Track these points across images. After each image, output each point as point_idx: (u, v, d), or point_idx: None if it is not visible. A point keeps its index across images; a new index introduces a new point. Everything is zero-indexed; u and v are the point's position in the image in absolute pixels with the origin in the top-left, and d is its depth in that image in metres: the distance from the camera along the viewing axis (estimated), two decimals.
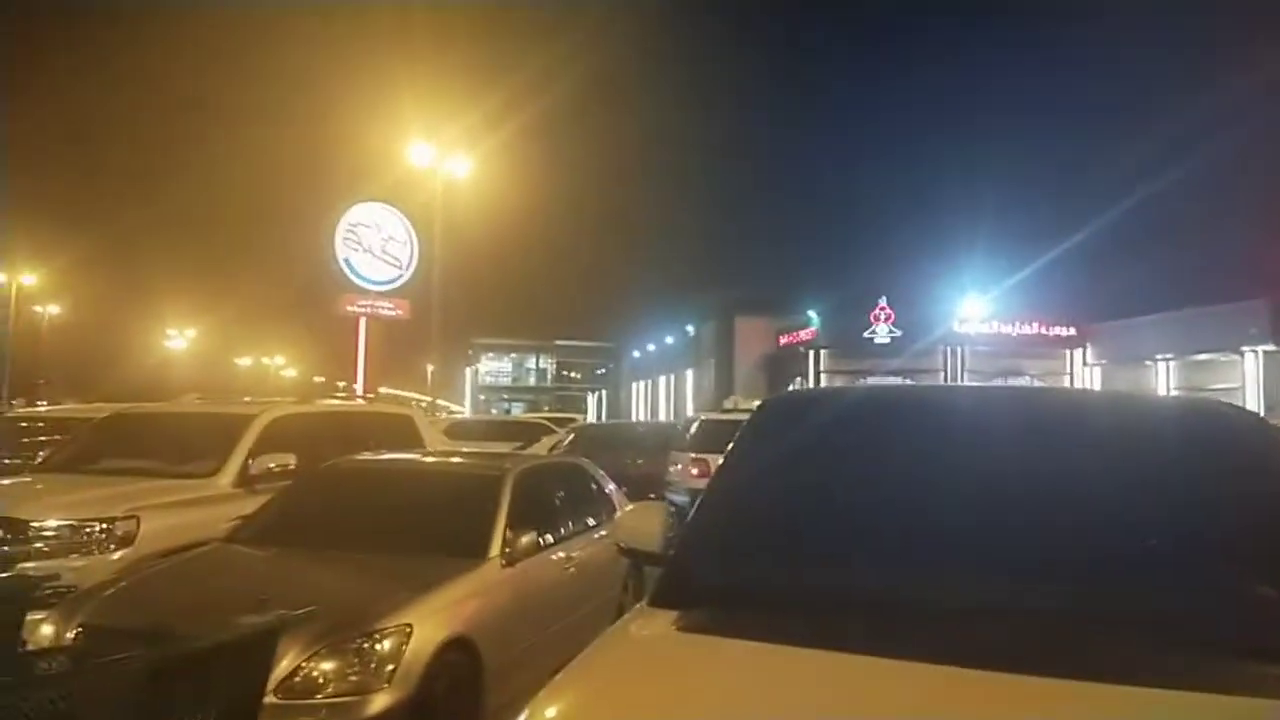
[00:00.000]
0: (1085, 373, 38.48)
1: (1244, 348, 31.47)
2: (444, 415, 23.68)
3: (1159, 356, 35.08)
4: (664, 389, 59.97)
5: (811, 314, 40.46)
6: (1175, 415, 2.81)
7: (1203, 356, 33.47)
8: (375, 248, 24.46)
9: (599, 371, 76.38)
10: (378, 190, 25.16)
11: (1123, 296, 35.29)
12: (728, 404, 18.31)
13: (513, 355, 74.56)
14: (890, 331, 37.65)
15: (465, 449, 8.52)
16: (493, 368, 73.72)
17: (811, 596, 2.16)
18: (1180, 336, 33.68)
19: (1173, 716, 1.63)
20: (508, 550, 4.90)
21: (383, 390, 32.06)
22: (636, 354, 67.42)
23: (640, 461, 14.71)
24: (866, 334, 37.82)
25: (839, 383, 37.31)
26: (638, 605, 2.42)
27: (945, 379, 36.98)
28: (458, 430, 18.36)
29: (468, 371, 70.37)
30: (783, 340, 42.94)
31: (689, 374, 52.74)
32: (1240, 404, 30.93)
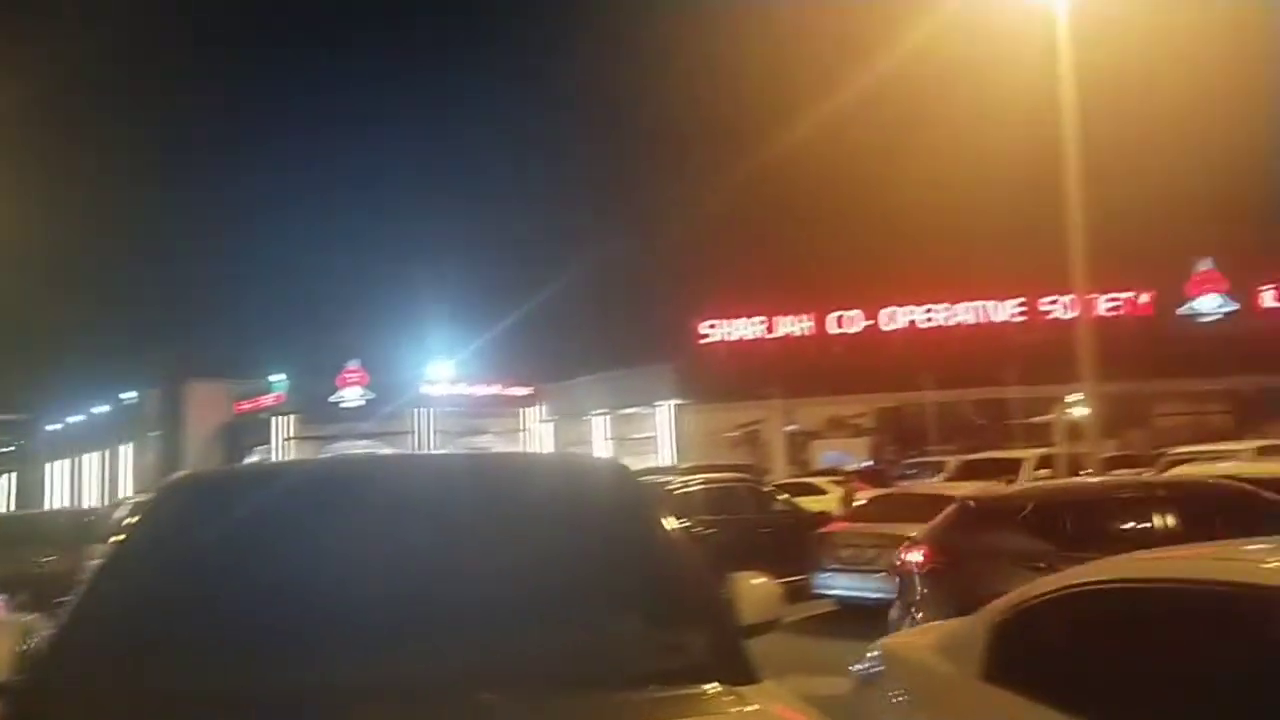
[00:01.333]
0: (540, 428, 42.40)
1: (658, 402, 37.73)
2: None
3: (595, 411, 40.29)
4: (91, 467, 51.26)
5: (277, 377, 38.25)
6: (552, 471, 3.10)
7: (628, 410, 39.33)
8: None
9: (5, 450, 62.57)
10: None
11: (567, 359, 39.84)
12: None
13: None
14: (363, 394, 37.28)
15: None
16: None
17: (185, 700, 1.96)
18: (611, 394, 39.09)
19: None
20: None
21: None
22: (55, 427, 56.64)
23: (49, 559, 12.24)
24: (334, 398, 36.93)
25: (307, 449, 35.72)
26: None
27: (415, 440, 37.71)
28: None
29: None
30: (242, 406, 39.83)
31: (126, 449, 45.94)
32: (656, 450, 36.54)
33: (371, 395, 37.11)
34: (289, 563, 2.36)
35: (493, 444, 37.93)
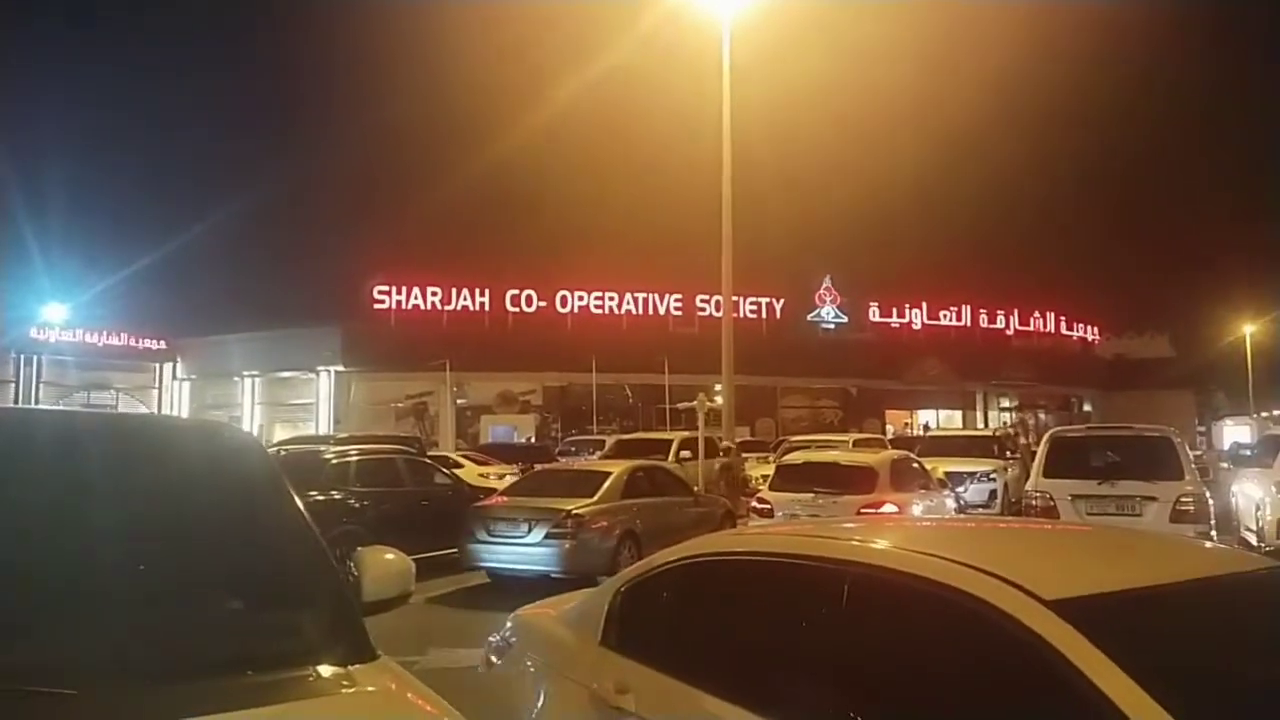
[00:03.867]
0: (175, 387, 38.20)
1: (319, 367, 35.63)
2: None
3: (246, 373, 37.09)
4: None
5: None
6: (147, 433, 2.72)
7: (285, 374, 36.71)
8: None
9: None
10: None
11: (212, 313, 36.25)
12: None
13: None
14: None
15: None
16: None
17: None
18: (266, 355, 36.23)
19: None
20: None
21: None
22: None
23: None
24: None
25: None
26: None
27: (18, 392, 32.20)
28: None
29: None
30: None
31: None
32: (314, 417, 34.50)
33: None
34: None
35: (116, 403, 33.49)
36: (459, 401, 35.59)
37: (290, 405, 35.71)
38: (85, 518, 2.14)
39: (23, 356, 32.89)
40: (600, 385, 34.27)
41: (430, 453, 18.29)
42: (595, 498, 9.93)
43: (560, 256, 37.25)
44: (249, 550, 2.33)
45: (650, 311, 38.70)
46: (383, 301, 36.45)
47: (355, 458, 11.38)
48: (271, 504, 2.44)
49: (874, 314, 42.70)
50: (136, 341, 36.44)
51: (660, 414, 32.79)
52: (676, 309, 38.64)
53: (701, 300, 37.12)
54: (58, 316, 33.41)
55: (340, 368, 35.32)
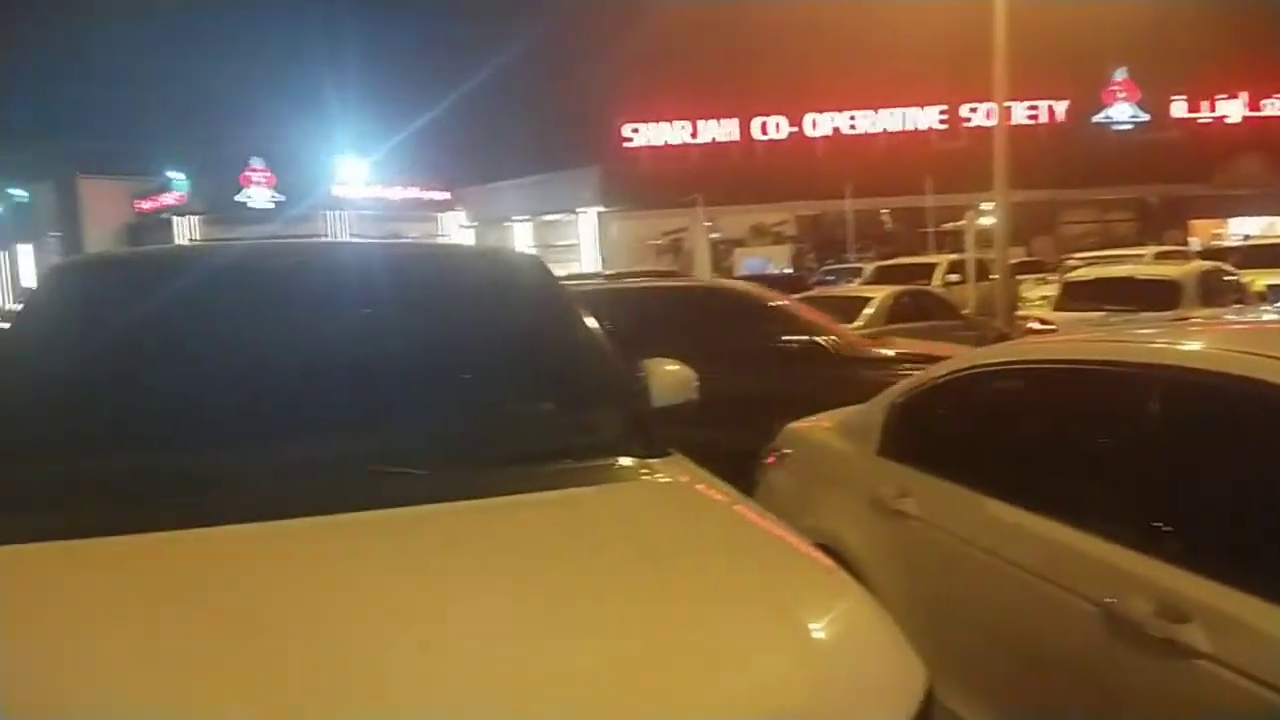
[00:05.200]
0: (459, 235, 41.58)
1: (580, 209, 37.23)
2: None
3: (517, 217, 39.59)
4: None
5: (176, 175, 36.10)
6: (467, 259, 3.09)
7: (551, 217, 38.76)
8: None
9: None
10: None
11: (488, 162, 38.51)
12: None
13: None
14: (271, 196, 35.68)
15: None
16: None
17: (93, 484, 1.92)
18: (533, 199, 38.32)
19: (463, 522, 1.83)
20: None
21: None
22: None
23: None
24: (240, 197, 35.27)
25: None
26: None
27: None
28: None
29: None
30: (143, 205, 37.77)
31: (26, 249, 43.50)
32: (579, 257, 36.41)
33: (280, 197, 35.52)
34: (188, 343, 2.33)
35: None
36: (712, 236, 35.88)
37: (558, 246, 37.80)
38: (421, 331, 2.49)
39: (330, 213, 37.16)
40: (855, 211, 32.98)
41: None
42: (859, 323, 9.83)
43: (807, 79, 35.33)
44: (553, 358, 2.59)
45: (908, 127, 36.10)
46: (632, 140, 36.84)
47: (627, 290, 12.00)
48: (567, 318, 2.69)
49: (1179, 109, 36.87)
50: (424, 193, 39.83)
51: (922, 238, 31.13)
52: (940, 121, 35.75)
53: (968, 109, 34.00)
54: (357, 174, 37.17)
55: (600, 208, 36.65)
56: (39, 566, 1.66)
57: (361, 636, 1.38)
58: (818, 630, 1.48)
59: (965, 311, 12.33)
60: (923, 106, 35.76)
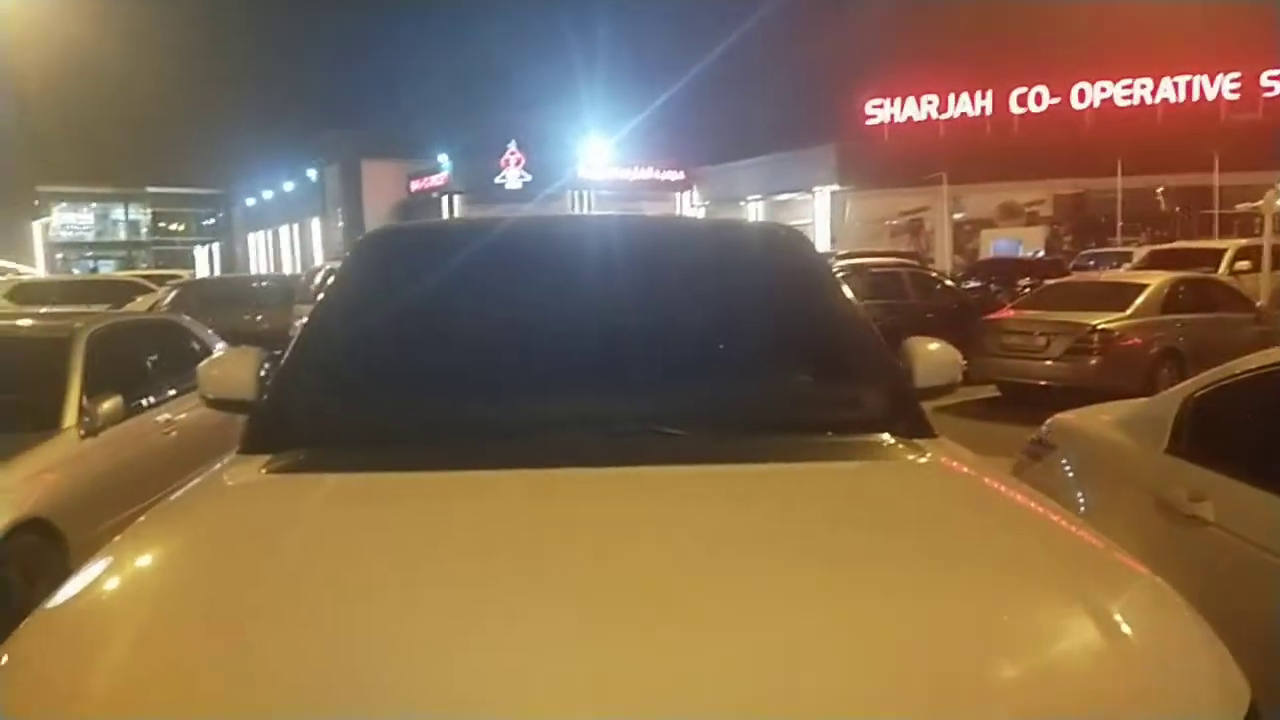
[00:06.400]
0: (693, 214, 42.17)
1: (815, 187, 36.49)
2: (7, 278, 19.82)
3: (751, 197, 39.50)
4: (287, 239, 55.49)
5: (442, 158, 39.33)
6: (731, 233, 3.16)
7: (783, 196, 38.33)
8: None
9: (207, 222, 68.39)
10: None
11: (723, 142, 38.72)
12: None
13: (94, 205, 63.98)
14: (521, 176, 37.95)
15: (34, 312, 7.31)
16: (70, 220, 62.85)
17: (404, 427, 2.19)
18: (767, 178, 38.06)
19: (736, 485, 1.89)
20: (86, 419, 4.38)
21: None
22: (251, 202, 61.19)
23: (260, 318, 13.69)
24: (498, 179, 37.80)
25: None
26: (230, 455, 2.29)
27: None
28: (25, 293, 15.63)
29: (36, 226, 59.24)
30: (414, 185, 41.49)
31: (315, 223, 49.24)
32: (813, 237, 35.99)
33: (528, 177, 37.70)
34: (485, 306, 2.53)
35: None
36: (955, 216, 33.98)
37: (791, 226, 37.43)
38: (694, 300, 2.57)
39: (575, 192, 38.92)
40: (1126, 190, 29.91)
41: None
42: (1128, 312, 8.97)
43: (1075, 45, 32.34)
44: (817, 331, 2.58)
45: (1195, 98, 32.19)
46: (875, 117, 35.52)
47: (862, 269, 11.71)
48: (830, 293, 2.68)
49: None
50: (660, 173, 40.80)
51: (1204, 221, 27.76)
52: (1233, 91, 31.58)
53: (1270, 77, 29.77)
54: (600, 155, 38.72)
55: (836, 187, 35.80)
56: (379, 492, 1.92)
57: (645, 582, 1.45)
58: (1128, 626, 1.37)
59: (1260, 303, 10.87)
60: (1212, 75, 31.73)
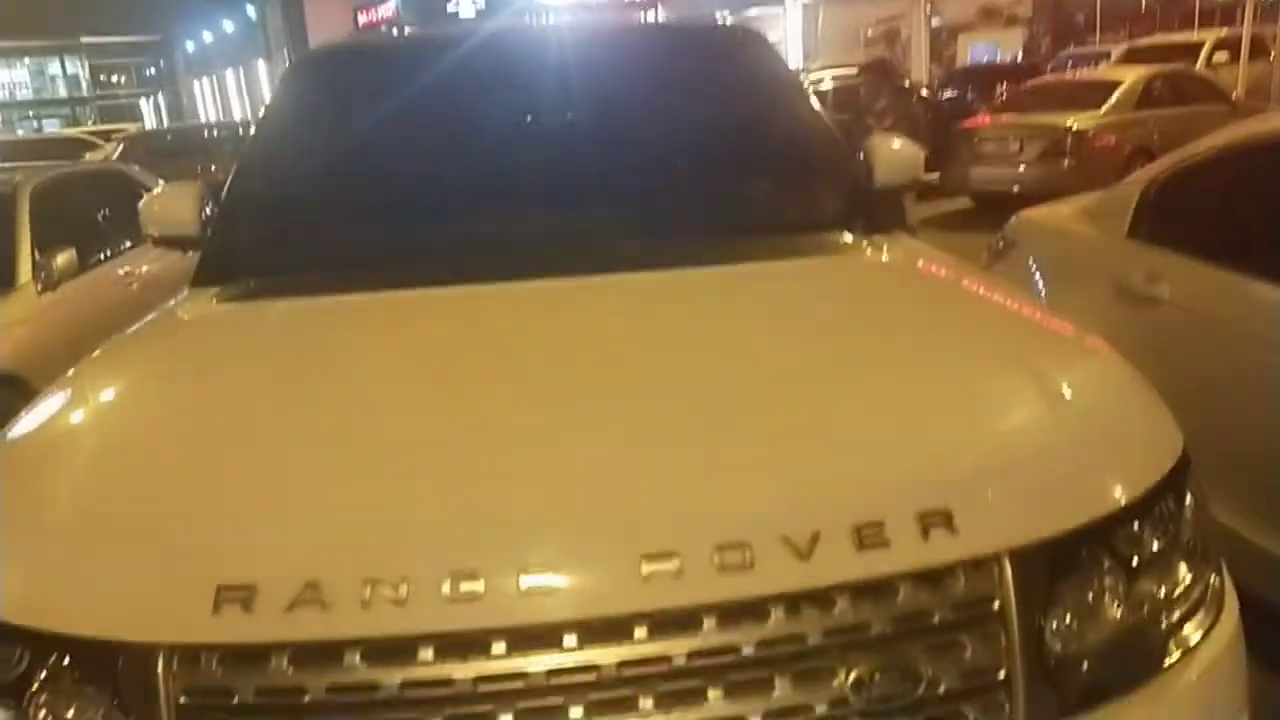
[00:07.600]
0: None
1: (787, 1, 34.72)
2: None
3: (719, 13, 37.62)
4: (233, 84, 52.88)
5: None
6: (690, 36, 3.01)
7: (753, 11, 36.50)
8: None
9: (148, 72, 64.82)
10: None
11: None
12: None
13: (27, 61, 60.35)
14: (475, 4, 35.84)
15: None
16: (4, 79, 59.49)
17: (348, 249, 2.16)
18: None
19: (692, 287, 1.89)
20: (41, 274, 4.31)
21: None
22: (191, 47, 57.83)
23: (215, 168, 13.24)
24: (451, 8, 35.72)
25: None
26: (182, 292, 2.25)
27: None
28: None
29: None
30: (362, 19, 39.18)
31: (260, 64, 46.76)
32: (786, 52, 34.52)
33: (482, 4, 35.60)
34: (434, 120, 2.44)
35: None
36: (933, 21, 32.59)
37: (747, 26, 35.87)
38: (645, 105, 2.48)
39: (533, 18, 36.91)
40: None
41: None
42: (1101, 110, 8.79)
43: None
44: (773, 132, 2.53)
45: None
46: None
47: (834, 81, 11.37)
48: (788, 93, 2.60)
49: None
50: None
51: (1185, 17, 26.78)
52: None
53: None
54: None
55: (807, 0, 34.10)
56: (338, 313, 1.91)
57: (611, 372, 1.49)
58: (1071, 385, 1.43)
59: (1236, 95, 10.68)
60: None
